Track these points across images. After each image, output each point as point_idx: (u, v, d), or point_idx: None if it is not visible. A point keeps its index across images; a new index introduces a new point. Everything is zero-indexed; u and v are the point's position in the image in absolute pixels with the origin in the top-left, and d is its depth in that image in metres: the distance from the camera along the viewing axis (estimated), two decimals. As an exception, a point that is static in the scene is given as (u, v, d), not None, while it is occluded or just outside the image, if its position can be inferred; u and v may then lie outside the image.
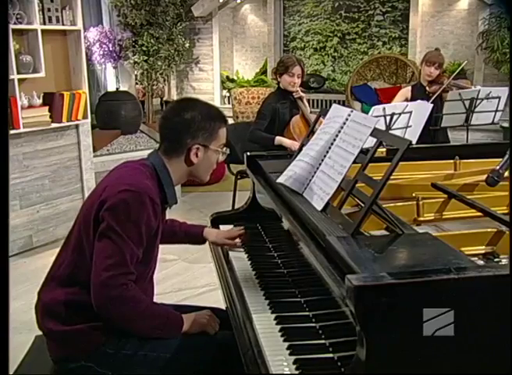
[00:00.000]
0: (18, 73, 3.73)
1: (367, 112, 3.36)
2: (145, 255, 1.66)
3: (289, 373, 1.31)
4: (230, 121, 7.66)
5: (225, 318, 1.75)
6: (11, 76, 3.62)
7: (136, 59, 7.43)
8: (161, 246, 1.87)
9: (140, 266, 1.66)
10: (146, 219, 1.61)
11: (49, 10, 3.96)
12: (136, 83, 8.25)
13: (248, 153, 2.35)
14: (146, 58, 7.46)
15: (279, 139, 3.61)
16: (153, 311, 1.65)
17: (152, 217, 1.63)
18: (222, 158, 1.85)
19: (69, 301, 1.66)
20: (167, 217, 1.97)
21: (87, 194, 4.32)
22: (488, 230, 1.58)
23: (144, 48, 7.42)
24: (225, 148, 1.84)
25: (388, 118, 3.23)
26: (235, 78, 8.66)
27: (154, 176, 1.72)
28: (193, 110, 1.74)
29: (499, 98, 3.88)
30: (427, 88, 4.10)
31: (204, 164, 1.79)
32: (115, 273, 1.54)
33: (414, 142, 2.85)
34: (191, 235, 2.11)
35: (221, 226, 2.35)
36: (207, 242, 2.16)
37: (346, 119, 1.73)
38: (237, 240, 2.13)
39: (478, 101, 3.85)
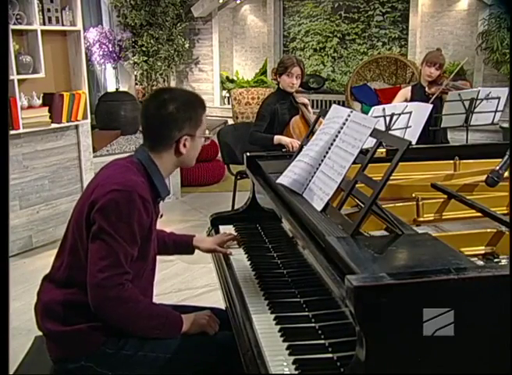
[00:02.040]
0: (18, 73, 3.73)
1: (366, 113, 3.37)
2: (141, 252, 1.66)
3: (288, 373, 1.31)
4: (230, 121, 7.66)
5: (225, 318, 1.75)
6: (11, 77, 3.62)
7: (135, 60, 7.43)
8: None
9: (137, 264, 1.66)
10: (137, 217, 1.60)
11: (49, 11, 3.96)
12: (136, 84, 8.23)
13: (248, 154, 2.35)
14: (146, 58, 7.45)
15: (277, 138, 3.61)
16: (151, 311, 1.65)
17: (143, 214, 1.63)
18: (206, 142, 1.84)
19: (69, 301, 1.66)
20: (165, 216, 1.96)
21: (86, 195, 4.32)
22: (488, 230, 1.57)
23: (144, 49, 7.41)
24: (207, 132, 1.83)
25: (388, 118, 3.23)
26: (235, 78, 8.67)
27: (143, 171, 1.72)
28: (176, 101, 1.71)
29: (499, 98, 3.88)
30: (426, 89, 4.10)
31: (192, 152, 1.79)
32: (110, 274, 1.54)
33: (413, 143, 2.86)
34: (181, 245, 2.08)
35: (220, 227, 2.35)
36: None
37: (346, 120, 1.73)
38: (230, 242, 2.12)
39: (478, 102, 3.85)
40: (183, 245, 2.08)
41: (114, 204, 1.58)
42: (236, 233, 2.21)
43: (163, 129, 1.72)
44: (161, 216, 1.92)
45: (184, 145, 1.74)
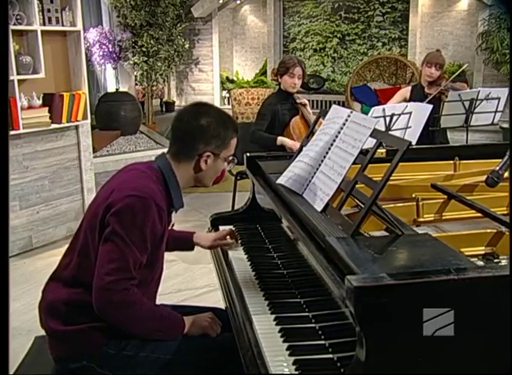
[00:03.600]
0: (18, 73, 3.73)
1: (366, 113, 3.36)
2: (150, 259, 1.66)
3: (288, 373, 1.31)
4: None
5: (226, 318, 1.75)
6: (11, 77, 3.62)
7: (135, 60, 7.44)
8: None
9: (145, 269, 1.66)
10: (151, 225, 1.61)
11: (49, 11, 3.96)
12: (136, 84, 8.25)
13: (248, 154, 2.35)
14: (146, 58, 7.46)
15: (280, 139, 3.61)
16: (154, 314, 1.65)
17: (157, 223, 1.63)
18: (228, 167, 1.83)
19: (73, 301, 1.66)
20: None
21: (86, 195, 4.32)
22: (488, 230, 1.58)
23: (144, 49, 7.42)
24: (232, 158, 1.82)
25: (387, 119, 3.23)
26: (234, 79, 8.67)
27: (161, 179, 1.71)
28: (209, 116, 1.72)
29: (499, 98, 3.88)
30: (426, 90, 4.10)
31: (211, 172, 1.78)
32: (117, 278, 1.54)
33: (413, 143, 2.86)
34: (181, 242, 2.08)
35: (220, 227, 2.35)
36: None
37: (346, 120, 1.73)
38: (228, 241, 2.12)
39: (478, 102, 3.85)
40: (183, 242, 2.09)
41: (130, 209, 1.58)
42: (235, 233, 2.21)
43: (190, 139, 1.72)
44: (173, 224, 1.91)
45: (206, 162, 1.73)
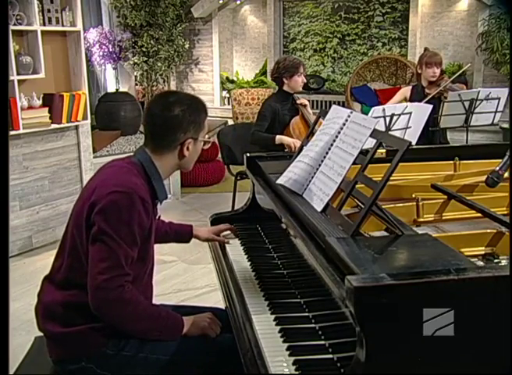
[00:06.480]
0: (18, 74, 3.73)
1: (367, 113, 3.36)
2: (141, 254, 1.66)
3: (288, 373, 1.31)
4: (230, 122, 7.65)
5: (226, 318, 1.74)
6: (11, 77, 3.62)
7: (135, 60, 7.43)
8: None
9: (137, 265, 1.66)
10: (137, 219, 1.60)
11: (49, 11, 3.96)
12: (136, 84, 8.23)
13: (248, 154, 2.35)
14: (146, 59, 7.45)
15: (279, 138, 3.61)
16: (152, 312, 1.65)
17: (144, 216, 1.63)
18: (206, 146, 1.85)
19: (69, 302, 1.66)
20: (163, 217, 1.97)
21: (86, 195, 4.32)
22: (488, 230, 1.58)
23: (144, 49, 7.42)
24: (207, 136, 1.84)
25: (387, 119, 3.23)
26: (235, 79, 8.67)
27: (142, 173, 1.72)
28: (181, 104, 1.72)
29: (499, 99, 3.88)
30: (426, 90, 4.11)
31: (193, 155, 1.80)
32: (110, 276, 1.54)
33: (413, 143, 2.86)
34: (180, 234, 2.13)
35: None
36: (205, 242, 2.22)
37: (346, 120, 1.73)
38: (226, 233, 2.19)
39: (478, 102, 3.85)
40: (183, 234, 2.14)
41: (114, 205, 1.58)
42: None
43: (168, 131, 1.73)
44: (159, 217, 1.92)
45: (187, 148, 1.75)
